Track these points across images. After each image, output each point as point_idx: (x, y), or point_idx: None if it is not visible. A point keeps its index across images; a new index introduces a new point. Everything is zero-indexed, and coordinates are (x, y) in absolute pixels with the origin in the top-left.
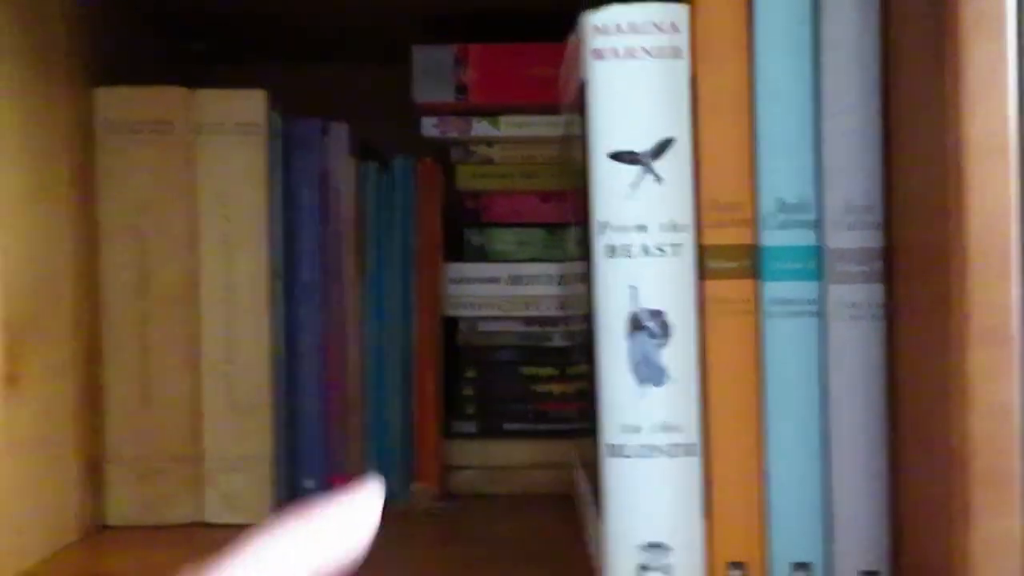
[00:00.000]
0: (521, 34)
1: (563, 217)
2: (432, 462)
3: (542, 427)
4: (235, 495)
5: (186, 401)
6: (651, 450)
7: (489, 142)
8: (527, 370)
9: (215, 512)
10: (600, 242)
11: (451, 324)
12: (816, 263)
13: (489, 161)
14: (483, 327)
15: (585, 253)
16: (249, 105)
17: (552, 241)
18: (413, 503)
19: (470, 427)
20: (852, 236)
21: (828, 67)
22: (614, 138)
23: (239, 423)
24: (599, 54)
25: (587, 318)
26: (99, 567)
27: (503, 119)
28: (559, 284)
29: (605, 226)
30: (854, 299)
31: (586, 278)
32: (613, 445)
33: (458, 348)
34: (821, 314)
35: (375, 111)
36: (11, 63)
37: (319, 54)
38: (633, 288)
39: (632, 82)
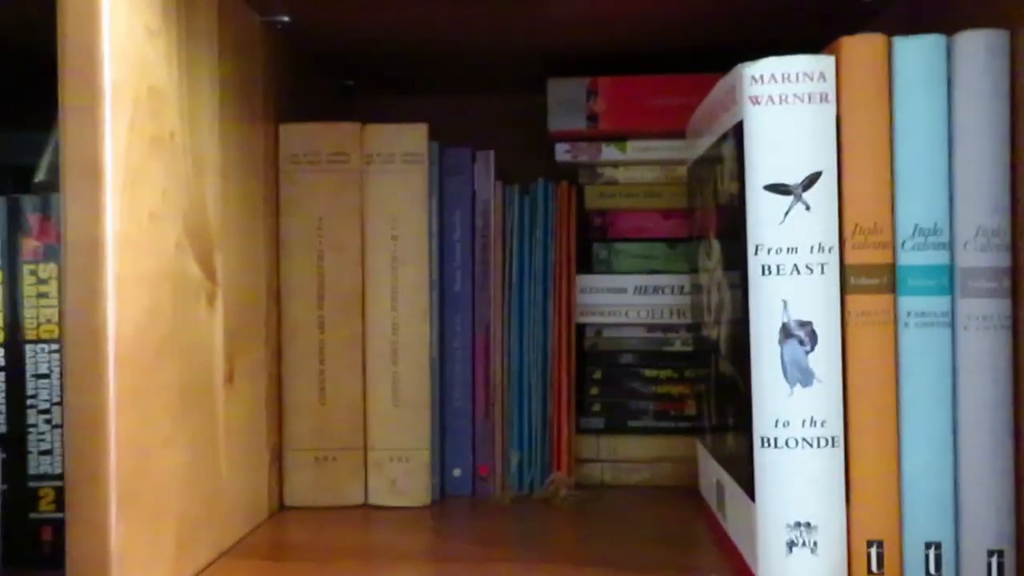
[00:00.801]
0: (645, 67)
1: (688, 232)
2: (566, 455)
3: (662, 424)
4: (397, 481)
5: (356, 398)
6: (800, 442)
7: (615, 165)
8: (648, 372)
9: (380, 495)
10: (755, 262)
11: (578, 331)
12: (948, 280)
13: (615, 182)
14: (608, 333)
15: (730, 265)
16: (413, 137)
17: (673, 255)
18: (550, 492)
19: (597, 423)
20: (981, 256)
21: (959, 106)
22: (768, 172)
23: (402, 418)
24: (755, 100)
25: (733, 323)
26: (285, 542)
27: (630, 144)
28: (682, 293)
29: (759, 248)
30: (983, 312)
31: (730, 287)
32: (766, 437)
33: (584, 352)
34: (952, 325)
35: (511, 138)
36: (231, 102)
37: (461, 87)
38: (785, 302)
39: (784, 124)
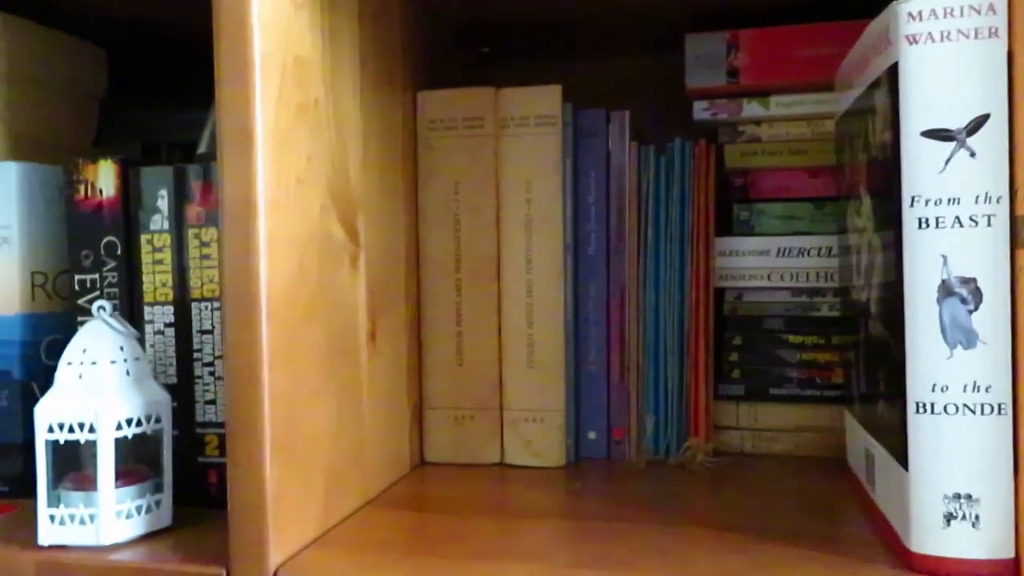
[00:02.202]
0: (788, 18)
1: (836, 190)
2: (703, 421)
3: (807, 392)
4: (532, 441)
5: (492, 359)
6: (960, 408)
7: (757, 122)
8: (792, 338)
9: (515, 455)
10: (911, 215)
11: (716, 295)
12: None
13: (757, 140)
14: (749, 297)
15: (881, 224)
16: (547, 100)
17: (820, 215)
18: (687, 457)
19: (737, 390)
20: None
21: None
22: (926, 117)
23: (537, 379)
24: (913, 39)
25: (885, 286)
26: (425, 495)
27: (773, 99)
28: (829, 255)
29: (916, 200)
30: None
31: (882, 248)
32: (921, 403)
33: (724, 317)
34: None
35: (647, 99)
36: (371, 71)
37: (591, 49)
38: (944, 257)
39: (946, 64)
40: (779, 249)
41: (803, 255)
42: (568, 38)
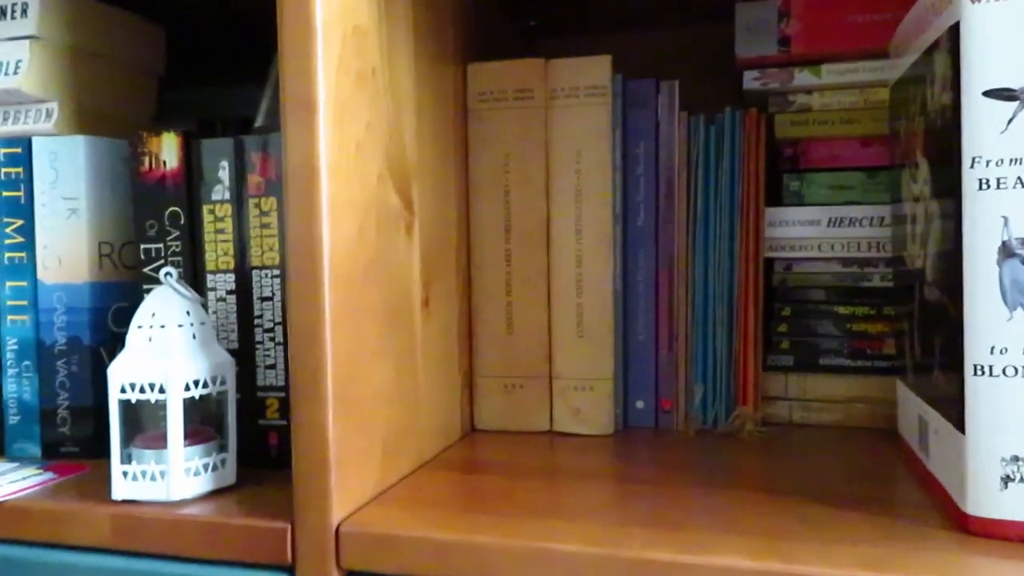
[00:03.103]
0: None
1: (890, 160)
2: (752, 391)
3: (858, 363)
4: (581, 409)
5: (542, 328)
6: (1019, 370)
7: (808, 91)
8: (843, 309)
9: (564, 423)
10: (971, 176)
11: (766, 266)
12: None
13: (808, 109)
14: (798, 268)
15: (939, 192)
16: (596, 70)
17: (872, 185)
18: (736, 426)
19: (786, 361)
20: None
21: None
22: (989, 76)
23: (586, 348)
24: None
25: (941, 255)
26: (477, 459)
27: (825, 67)
28: (881, 225)
29: (976, 161)
30: None
31: (939, 216)
32: (980, 365)
33: (773, 288)
34: None
35: (697, 69)
36: (424, 43)
37: (638, 20)
38: (1005, 218)
39: (1009, 21)
40: (830, 219)
41: (854, 225)
42: (615, 10)
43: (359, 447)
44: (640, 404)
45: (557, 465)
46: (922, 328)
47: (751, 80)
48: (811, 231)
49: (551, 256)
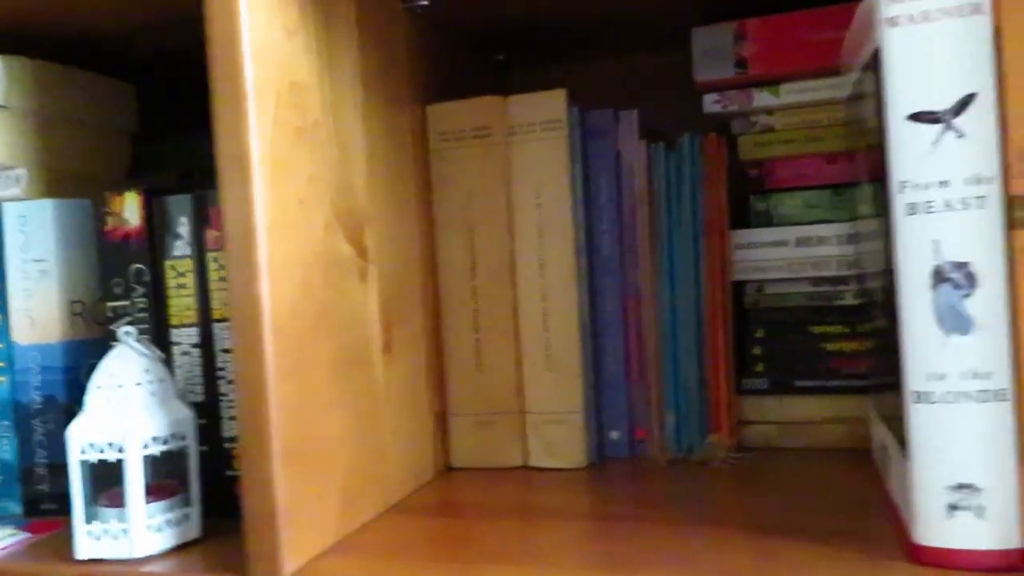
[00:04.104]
0: (795, 3)
1: (850, 176)
2: (726, 417)
3: (833, 383)
4: (554, 443)
5: (511, 363)
6: (958, 396)
7: (770, 111)
8: (816, 329)
9: (538, 457)
10: (899, 201)
11: (737, 288)
12: None
13: (770, 129)
14: (770, 289)
15: (880, 211)
16: (552, 104)
17: (840, 202)
18: (710, 454)
19: (761, 384)
20: None
21: None
22: (912, 100)
23: (555, 381)
24: (893, 22)
25: (884, 273)
26: (448, 500)
27: (783, 87)
28: (848, 243)
29: (904, 185)
30: None
31: (882, 235)
32: (919, 392)
33: (745, 310)
34: None
35: (655, 95)
36: (374, 88)
37: (604, 49)
38: (936, 242)
39: (929, 44)
40: (797, 239)
41: (822, 243)
42: (579, 40)
43: (313, 496)
44: (615, 435)
45: (528, 503)
46: (878, 349)
47: (711, 103)
48: (779, 252)
49: (517, 291)
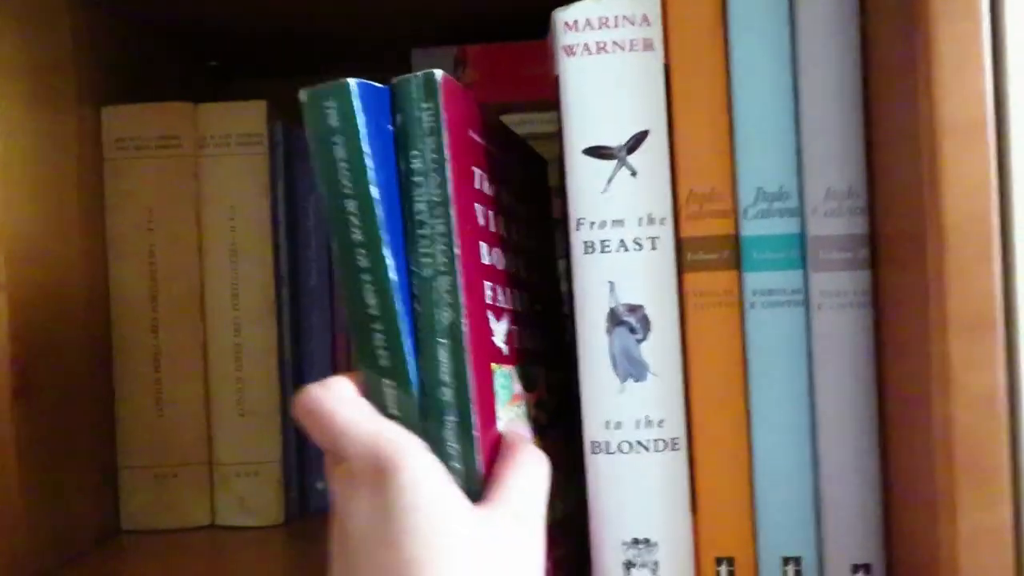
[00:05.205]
0: (519, 34)
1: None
2: None
3: None
4: (247, 498)
5: (197, 408)
6: (634, 446)
7: None
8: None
9: (228, 515)
10: (577, 239)
11: None
12: (799, 252)
13: None
14: None
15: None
16: (250, 117)
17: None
18: None
19: None
20: (835, 223)
21: (805, 53)
22: (587, 134)
23: (249, 428)
24: (570, 50)
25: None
26: (114, 570)
27: (502, 118)
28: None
29: (581, 223)
30: (839, 287)
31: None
32: (596, 442)
33: None
34: (806, 304)
35: None
36: (22, 81)
37: (328, 64)
38: (611, 283)
39: (604, 77)
40: None
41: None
42: (303, 54)
43: None
44: (321, 485)
45: (215, 571)
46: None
47: None
48: None
49: (206, 324)
